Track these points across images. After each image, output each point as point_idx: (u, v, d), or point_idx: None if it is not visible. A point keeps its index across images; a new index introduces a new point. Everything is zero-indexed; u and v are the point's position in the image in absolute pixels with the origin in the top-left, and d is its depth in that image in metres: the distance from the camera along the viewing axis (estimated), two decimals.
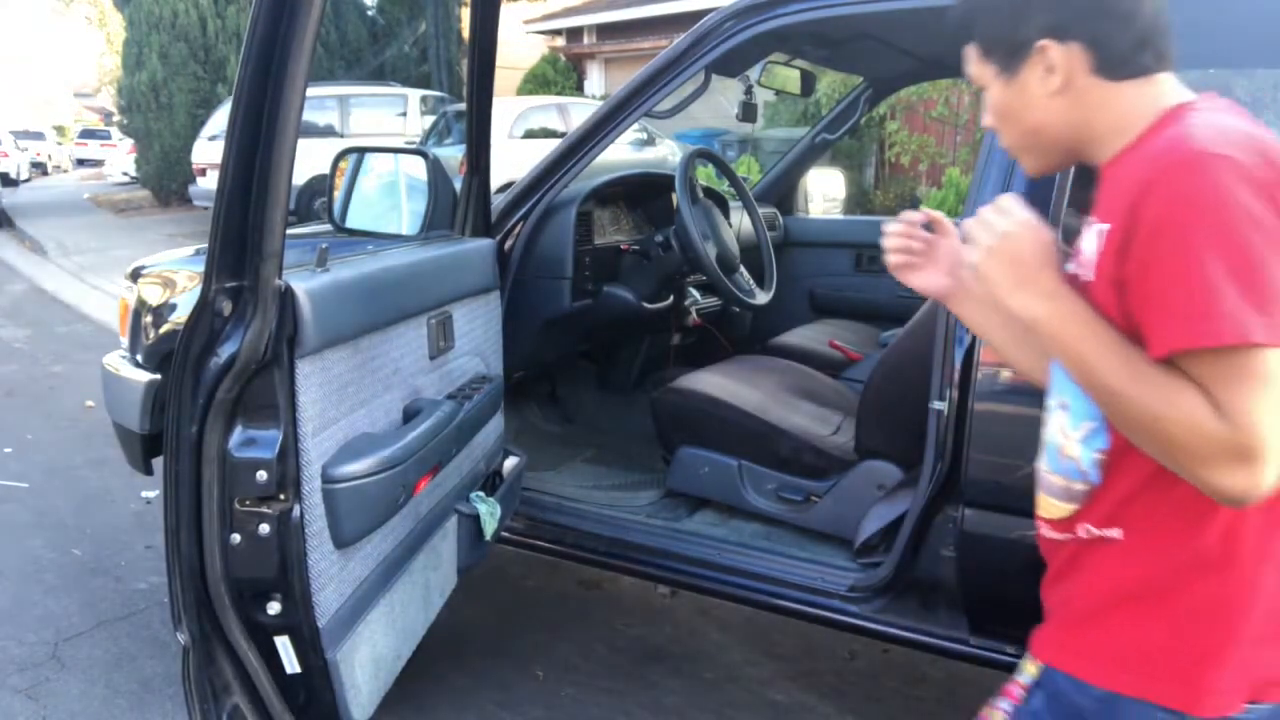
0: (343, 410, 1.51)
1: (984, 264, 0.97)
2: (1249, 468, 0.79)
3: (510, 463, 2.18)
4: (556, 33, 16.78)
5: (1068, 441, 0.98)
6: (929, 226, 1.20)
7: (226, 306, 1.33)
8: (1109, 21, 0.95)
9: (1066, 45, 0.95)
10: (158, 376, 1.99)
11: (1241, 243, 0.80)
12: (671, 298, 2.57)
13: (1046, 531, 1.04)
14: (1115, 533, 0.96)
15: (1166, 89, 0.96)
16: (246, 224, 1.30)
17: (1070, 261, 0.98)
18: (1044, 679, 1.04)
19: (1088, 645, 0.98)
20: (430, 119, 10.52)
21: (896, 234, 1.19)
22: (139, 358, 2.08)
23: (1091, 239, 0.94)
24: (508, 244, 2.24)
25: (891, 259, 1.20)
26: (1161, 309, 0.83)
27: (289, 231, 1.35)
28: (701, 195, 2.50)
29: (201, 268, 1.36)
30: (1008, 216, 0.96)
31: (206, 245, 1.36)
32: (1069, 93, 0.97)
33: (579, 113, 9.94)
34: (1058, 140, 1.00)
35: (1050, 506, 1.01)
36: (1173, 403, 0.81)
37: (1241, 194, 0.81)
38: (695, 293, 2.72)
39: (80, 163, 27.07)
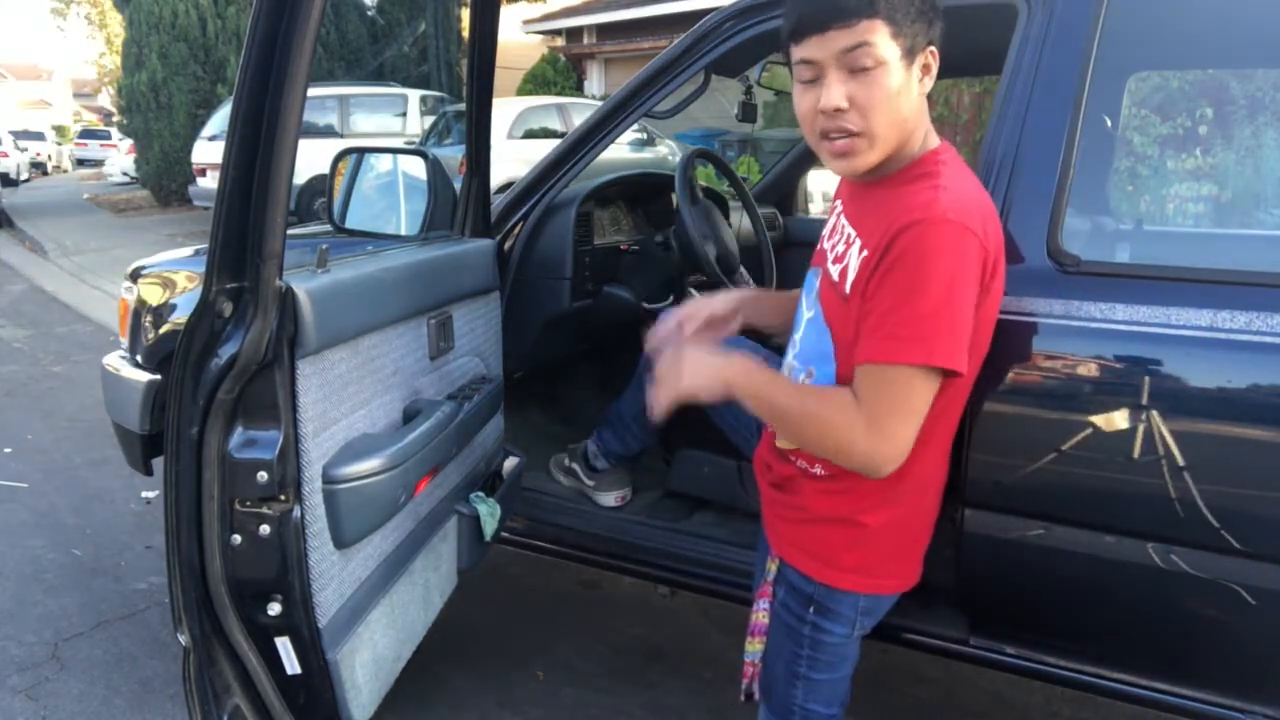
0: (343, 411, 1.51)
1: (665, 381, 1.24)
2: (880, 442, 1.11)
3: (510, 463, 2.18)
4: (556, 33, 16.78)
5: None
6: None
7: (227, 307, 1.33)
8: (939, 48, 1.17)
9: (937, 56, 1.16)
10: (158, 377, 1.99)
11: (943, 293, 1.07)
12: (671, 298, 2.57)
13: (779, 449, 1.36)
14: (819, 469, 1.29)
15: (929, 128, 1.21)
16: (247, 225, 1.30)
17: (834, 264, 1.25)
18: (781, 572, 1.37)
19: (806, 548, 1.33)
20: (430, 119, 10.52)
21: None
22: (139, 358, 2.08)
23: (855, 258, 1.18)
24: (508, 244, 2.24)
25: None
26: (868, 323, 1.12)
27: (289, 232, 1.35)
28: (701, 195, 2.50)
29: (201, 268, 1.36)
30: (677, 349, 1.26)
31: (206, 245, 1.36)
32: (921, 100, 1.17)
33: (579, 113, 9.94)
34: (901, 138, 1.17)
35: (781, 439, 1.36)
36: (825, 402, 1.15)
37: (964, 258, 1.08)
38: (695, 293, 2.72)
39: (80, 163, 27.10)
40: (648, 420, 2.20)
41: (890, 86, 1.12)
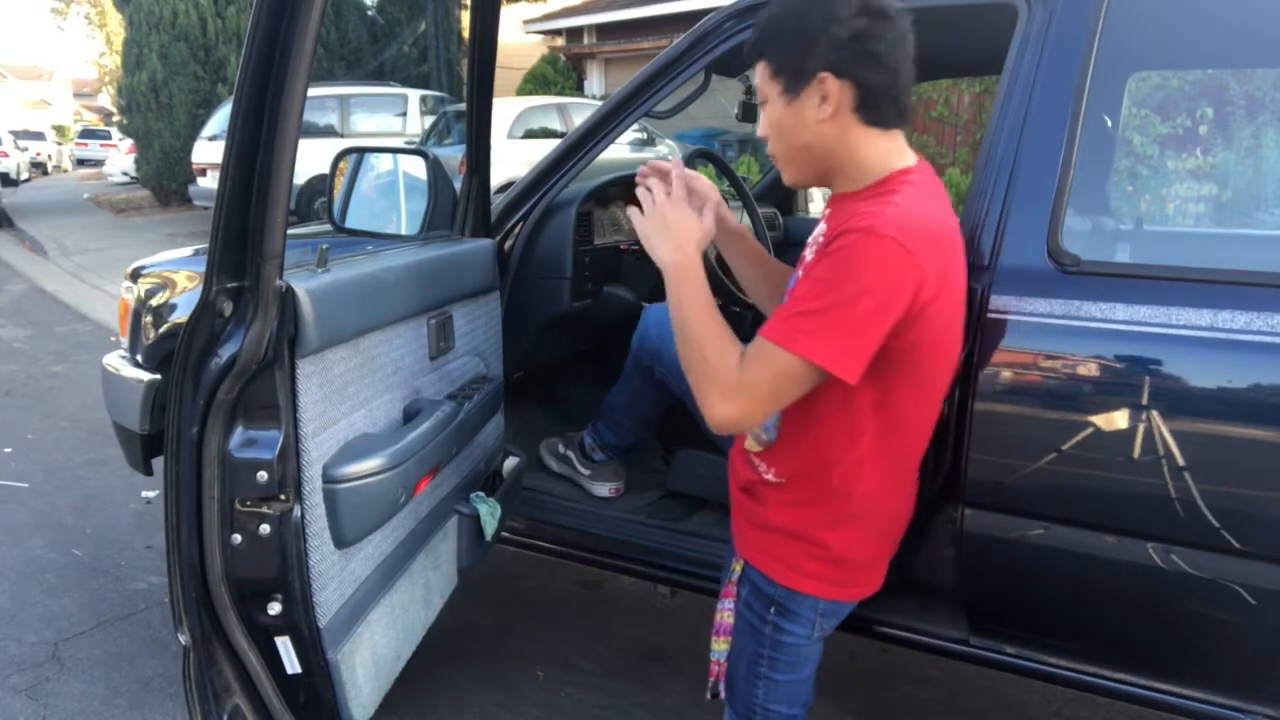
0: (343, 410, 1.51)
1: (645, 221, 1.29)
2: (733, 405, 1.16)
3: (510, 463, 2.18)
4: (556, 33, 16.78)
5: None
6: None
7: (227, 307, 1.33)
8: (876, 72, 1.18)
9: (841, 81, 1.18)
10: (158, 377, 1.99)
11: (847, 297, 1.10)
12: None
13: (746, 452, 1.41)
14: (773, 475, 1.35)
15: (896, 147, 1.24)
16: (247, 224, 1.30)
17: (808, 249, 1.30)
18: (745, 573, 1.40)
19: (769, 551, 1.36)
20: (430, 119, 10.52)
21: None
22: (139, 358, 2.08)
23: (814, 248, 1.26)
24: (508, 244, 2.24)
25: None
26: (783, 307, 1.17)
27: (289, 232, 1.35)
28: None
29: (201, 268, 1.36)
30: (667, 200, 1.29)
31: (207, 245, 1.36)
32: (835, 123, 1.20)
33: (579, 113, 9.94)
34: (819, 160, 1.25)
35: (750, 443, 1.40)
36: (721, 348, 1.18)
37: (887, 274, 1.10)
38: None
39: (80, 163, 27.10)
40: (638, 414, 2.22)
41: (774, 119, 1.25)
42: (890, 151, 1.23)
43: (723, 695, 1.47)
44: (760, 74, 1.24)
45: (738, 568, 1.42)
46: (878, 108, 1.20)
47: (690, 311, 1.22)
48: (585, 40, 16.34)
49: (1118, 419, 1.39)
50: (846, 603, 1.39)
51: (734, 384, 1.16)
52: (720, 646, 1.45)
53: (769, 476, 1.35)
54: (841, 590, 1.36)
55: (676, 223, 1.28)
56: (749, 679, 1.41)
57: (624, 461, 2.31)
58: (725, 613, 1.44)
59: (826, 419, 1.26)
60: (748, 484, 1.40)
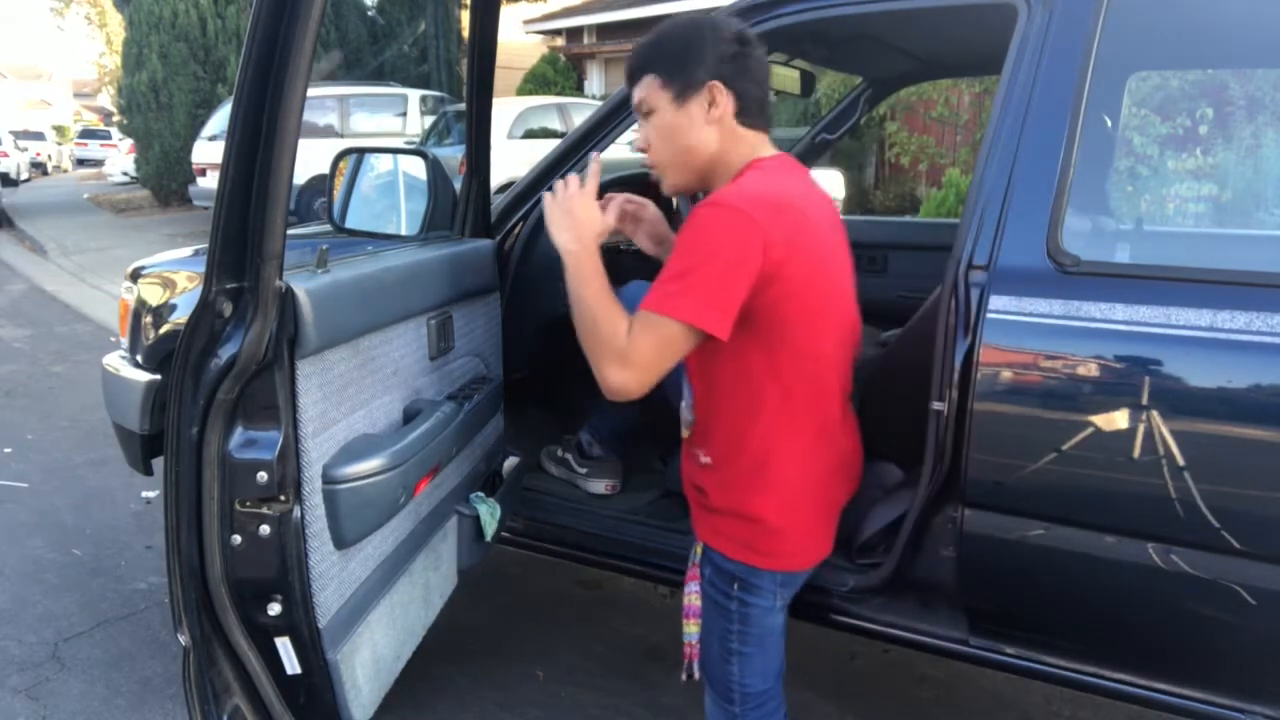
0: (343, 411, 1.51)
1: (552, 207, 1.43)
2: (624, 372, 1.28)
3: (510, 463, 2.18)
4: (556, 33, 16.77)
5: (684, 385, 1.53)
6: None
7: (227, 308, 1.33)
8: (752, 85, 1.41)
9: (727, 90, 1.38)
10: (158, 377, 1.99)
11: (701, 260, 1.27)
12: None
13: (687, 445, 1.54)
14: (707, 459, 1.48)
15: (761, 144, 1.44)
16: (247, 225, 1.30)
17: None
18: (706, 555, 1.51)
19: (721, 532, 1.47)
20: (430, 119, 10.52)
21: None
22: (139, 358, 2.08)
23: None
24: (508, 244, 2.24)
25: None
26: (656, 280, 1.31)
27: (289, 232, 1.35)
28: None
29: (201, 268, 1.36)
30: (578, 190, 1.43)
31: (206, 246, 1.36)
32: (719, 126, 1.40)
33: (579, 113, 9.94)
34: (701, 162, 1.42)
35: (684, 430, 1.54)
36: (613, 321, 1.31)
37: (731, 236, 1.26)
38: None
39: (80, 163, 27.10)
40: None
41: (664, 124, 1.41)
42: (755, 147, 1.43)
43: (697, 675, 1.57)
44: (647, 87, 1.41)
45: (698, 550, 1.53)
46: (751, 114, 1.42)
47: (586, 292, 1.35)
48: (585, 40, 16.33)
49: (1117, 419, 1.39)
50: (801, 572, 1.50)
51: (622, 350, 1.29)
52: (691, 629, 1.56)
53: (704, 460, 1.48)
54: (789, 560, 1.46)
55: (578, 212, 1.42)
56: (723, 657, 1.50)
57: (621, 459, 2.31)
58: (693, 595, 1.55)
59: (727, 392, 1.41)
60: (692, 474, 1.53)
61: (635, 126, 1.56)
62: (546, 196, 1.47)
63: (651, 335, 1.28)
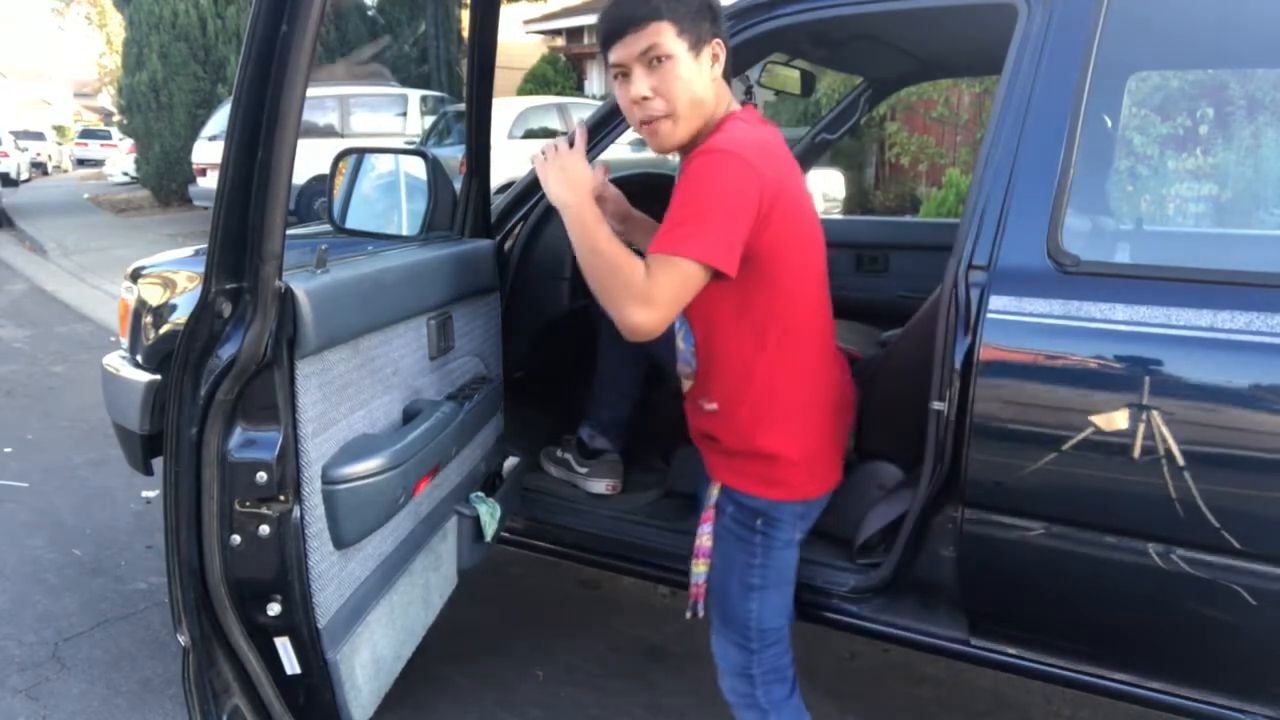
0: (342, 411, 1.51)
1: (545, 165, 1.50)
2: (647, 311, 1.33)
3: (510, 463, 2.18)
4: (556, 33, 16.78)
5: (679, 340, 1.60)
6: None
7: (226, 308, 1.33)
8: (729, 44, 1.50)
9: (724, 49, 1.47)
10: (158, 377, 1.99)
11: (707, 204, 1.35)
12: None
13: (690, 399, 1.63)
14: (713, 405, 1.56)
15: (732, 98, 1.52)
16: (246, 225, 1.30)
17: None
18: (727, 495, 1.58)
19: (739, 471, 1.55)
20: (430, 119, 10.52)
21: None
22: (139, 358, 2.08)
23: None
24: (508, 244, 2.24)
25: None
26: (662, 226, 1.37)
27: (289, 232, 1.35)
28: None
29: (201, 268, 1.36)
30: (569, 149, 1.50)
31: (206, 246, 1.36)
32: (717, 82, 1.47)
33: (579, 113, 9.94)
34: (705, 113, 1.47)
35: (684, 384, 1.63)
36: (631, 263, 1.35)
37: (731, 177, 1.35)
38: None
39: (80, 163, 27.10)
40: (622, 376, 2.24)
41: (681, 73, 1.42)
42: (731, 102, 1.52)
43: (701, 614, 1.64)
44: (662, 33, 1.41)
45: (715, 492, 1.59)
46: (730, 70, 1.53)
47: (596, 240, 1.39)
48: (585, 40, 16.33)
49: (1117, 419, 1.39)
50: (816, 501, 1.59)
51: (644, 292, 1.33)
52: (700, 568, 1.62)
53: (710, 407, 1.56)
54: (806, 488, 1.56)
55: (571, 169, 1.48)
56: (743, 594, 1.57)
57: (622, 452, 2.30)
58: (705, 537, 1.61)
59: (730, 333, 1.49)
60: (700, 424, 1.61)
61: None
62: (537, 159, 1.53)
63: (670, 274, 1.33)
